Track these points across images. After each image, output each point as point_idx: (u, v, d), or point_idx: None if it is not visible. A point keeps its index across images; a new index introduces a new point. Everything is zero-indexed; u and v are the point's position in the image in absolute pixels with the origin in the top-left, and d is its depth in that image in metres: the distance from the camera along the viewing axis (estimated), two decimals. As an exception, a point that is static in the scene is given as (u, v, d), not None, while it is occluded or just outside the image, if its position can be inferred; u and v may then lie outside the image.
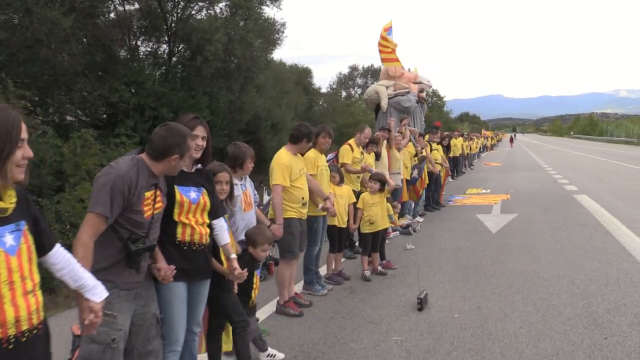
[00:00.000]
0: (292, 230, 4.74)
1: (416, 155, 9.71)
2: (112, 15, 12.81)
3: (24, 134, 1.72)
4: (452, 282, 5.66)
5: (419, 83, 12.96)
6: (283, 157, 4.75)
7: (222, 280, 3.27)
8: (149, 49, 13.91)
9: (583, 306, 4.68)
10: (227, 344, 3.59)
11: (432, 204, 11.12)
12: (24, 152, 1.72)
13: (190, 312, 2.94)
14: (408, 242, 7.66)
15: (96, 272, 2.19)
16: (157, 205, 2.63)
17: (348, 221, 6.01)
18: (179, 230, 2.84)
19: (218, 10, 13.18)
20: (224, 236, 3.18)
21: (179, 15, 13.06)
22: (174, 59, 13.97)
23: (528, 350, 3.80)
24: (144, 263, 2.60)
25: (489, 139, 49.12)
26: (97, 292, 2.07)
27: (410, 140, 9.69)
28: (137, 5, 12.77)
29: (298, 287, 5.48)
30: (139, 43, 14.01)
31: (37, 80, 9.68)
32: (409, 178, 9.41)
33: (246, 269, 3.25)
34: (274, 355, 3.88)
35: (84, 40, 11.60)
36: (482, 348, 3.90)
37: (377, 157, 7.61)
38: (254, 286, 3.76)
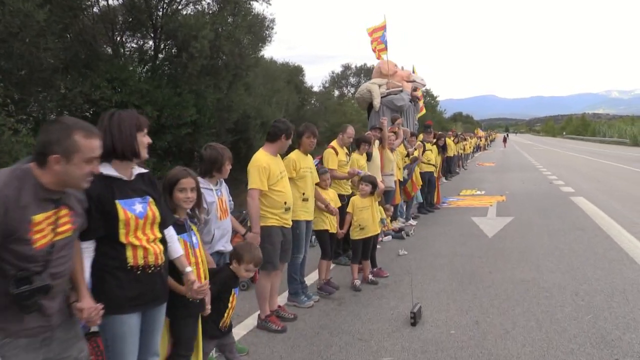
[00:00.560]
0: (273, 240, 4.34)
1: (407, 155, 9.34)
2: (95, 9, 12.34)
3: None
4: (447, 292, 5.29)
5: (413, 81, 12.62)
6: (260, 159, 4.35)
7: (179, 302, 2.86)
8: (134, 45, 13.44)
9: (589, 321, 4.33)
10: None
11: (425, 206, 10.76)
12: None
13: (144, 343, 2.53)
14: (401, 247, 7.29)
15: None
16: (60, 230, 2.06)
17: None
18: (129, 253, 2.41)
19: (205, 5, 12.74)
20: (176, 248, 2.78)
21: (165, 10, 12.61)
22: (161, 55, 13.54)
23: (532, 374, 3.44)
24: (52, 303, 2.06)
25: (482, 139, 48.94)
26: None
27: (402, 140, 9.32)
28: (121, 0, 12.31)
29: (282, 298, 5.11)
30: (124, 39, 13.57)
31: (12, 76, 9.21)
32: (401, 179, 9.05)
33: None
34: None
35: (68, 35, 11.17)
36: (482, 371, 3.53)
37: (369, 157, 7.24)
38: (230, 305, 3.36)
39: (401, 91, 11.75)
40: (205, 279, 3.12)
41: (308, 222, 4.97)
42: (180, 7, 12.81)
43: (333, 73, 41.61)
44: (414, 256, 6.91)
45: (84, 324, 2.30)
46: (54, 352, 2.10)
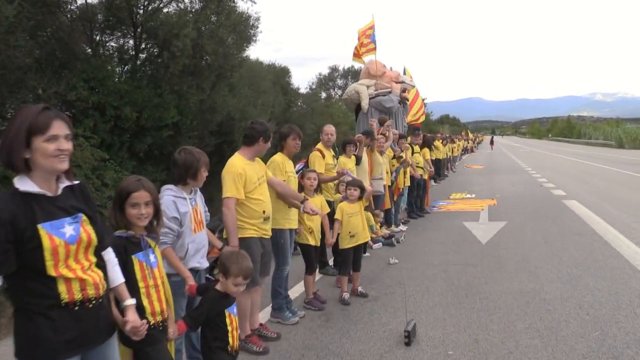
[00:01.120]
0: (252, 252, 3.91)
1: (394, 157, 8.98)
2: (73, 7, 11.82)
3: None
4: (442, 306, 4.93)
5: (402, 82, 12.32)
6: (235, 164, 3.94)
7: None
8: (113, 44, 12.93)
9: (597, 338, 3.99)
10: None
11: (415, 211, 10.42)
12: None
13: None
14: (391, 255, 6.92)
15: None
16: None
17: (324, 236, 5.25)
18: (62, 288, 1.97)
19: (188, 3, 12.28)
20: (115, 275, 2.32)
21: (146, 8, 12.14)
22: (142, 55, 13.06)
23: (542, 403, 3.09)
24: None
25: (470, 141, 48.97)
26: None
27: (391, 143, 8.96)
28: (100, -3, 11.82)
29: (265, 314, 4.71)
30: (104, 38, 13.07)
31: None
32: (390, 184, 8.70)
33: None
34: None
35: (44, 33, 10.67)
36: (486, 400, 3.17)
37: (358, 161, 6.88)
38: (228, 328, 2.93)
39: (390, 92, 11.44)
40: (167, 303, 2.72)
41: (292, 231, 4.58)
42: (161, 5, 12.35)
43: (320, 75, 41.31)
44: (405, 265, 6.55)
45: None
46: None
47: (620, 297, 4.94)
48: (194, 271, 3.29)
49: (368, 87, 11.67)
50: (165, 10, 12.14)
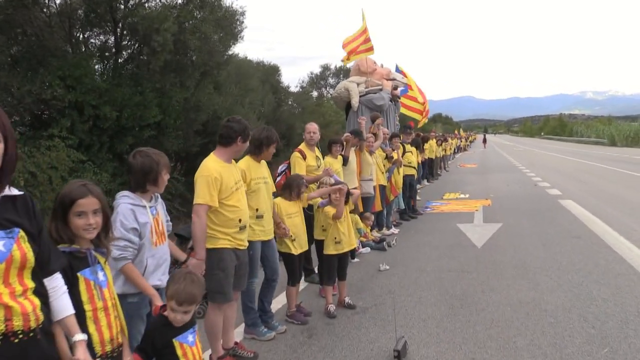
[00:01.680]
0: (224, 265, 3.53)
1: (387, 157, 8.59)
2: (49, 2, 11.34)
3: None
4: (436, 318, 4.54)
5: (393, 80, 11.92)
6: (210, 167, 3.52)
7: None
8: (93, 41, 12.45)
9: (606, 357, 3.62)
10: None
11: (408, 212, 10.04)
12: None
13: None
14: (382, 260, 6.53)
15: None
16: None
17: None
18: None
19: (170, -3, 11.84)
20: (62, 305, 1.94)
21: (127, 3, 11.67)
22: (127, 52, 12.58)
23: None
24: None
25: (463, 139, 48.76)
26: None
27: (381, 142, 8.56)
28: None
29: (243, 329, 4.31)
30: (85, 35, 12.58)
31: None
32: (385, 184, 8.31)
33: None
34: None
35: (18, 29, 10.20)
36: None
37: (345, 161, 6.48)
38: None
39: (381, 90, 11.04)
40: (120, 329, 2.32)
41: (265, 242, 4.16)
42: (143, 0, 11.89)
43: (312, 74, 40.80)
44: (396, 271, 6.15)
45: None
46: None
47: (627, 307, 4.57)
48: (155, 289, 2.87)
49: (358, 84, 11.26)
50: (147, 5, 11.69)
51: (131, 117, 10.46)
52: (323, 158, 5.92)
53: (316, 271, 5.97)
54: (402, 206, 9.71)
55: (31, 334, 1.72)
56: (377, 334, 4.26)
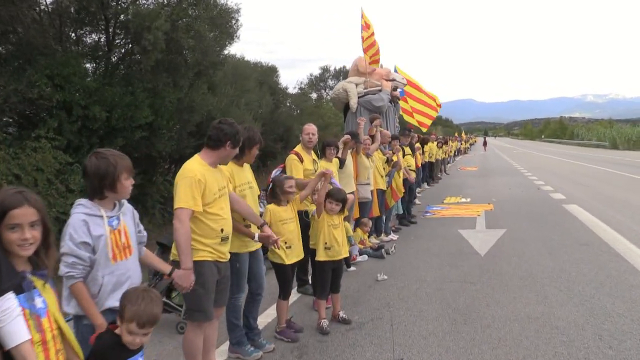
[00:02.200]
0: (204, 280, 3.17)
1: (387, 161, 8.24)
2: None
3: None
4: (437, 335, 4.18)
5: (393, 80, 11.60)
6: (193, 169, 3.17)
7: None
8: (85, 40, 12.11)
9: (627, 383, 3.26)
10: None
11: (408, 217, 9.69)
12: None
13: None
14: (380, 270, 6.17)
15: None
16: None
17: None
18: None
19: (163, -6, 11.47)
20: (13, 331, 1.68)
21: (118, 0, 11.34)
22: (121, 51, 12.25)
23: None
24: None
25: (464, 142, 48.46)
26: None
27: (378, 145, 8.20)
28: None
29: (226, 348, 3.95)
30: (77, 33, 12.26)
31: None
32: (383, 188, 7.95)
33: None
34: None
35: (10, 28, 9.88)
36: None
37: (341, 164, 6.13)
38: None
39: (380, 90, 10.71)
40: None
41: (253, 253, 3.81)
42: (135, -2, 11.54)
43: (311, 75, 40.48)
44: (395, 282, 5.79)
45: None
46: None
47: (645, 324, 4.22)
48: (114, 312, 2.50)
49: (357, 85, 10.94)
50: (139, 2, 11.34)
51: (122, 117, 10.10)
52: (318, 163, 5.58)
53: (310, 282, 5.63)
54: (401, 211, 9.37)
55: None
56: (374, 353, 3.90)
